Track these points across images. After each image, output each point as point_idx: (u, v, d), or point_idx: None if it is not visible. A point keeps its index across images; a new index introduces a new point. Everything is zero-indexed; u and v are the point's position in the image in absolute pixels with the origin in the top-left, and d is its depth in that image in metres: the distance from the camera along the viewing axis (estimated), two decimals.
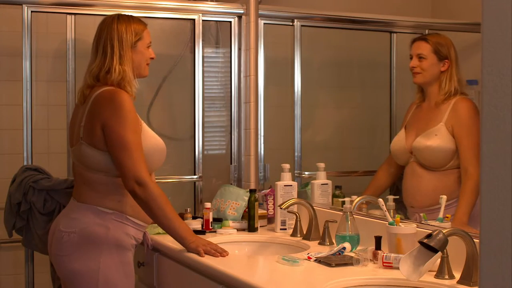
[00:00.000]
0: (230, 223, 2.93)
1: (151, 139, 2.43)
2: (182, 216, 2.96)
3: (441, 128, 2.42)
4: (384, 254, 2.11)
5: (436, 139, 2.43)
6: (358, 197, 2.64)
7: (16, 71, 3.17)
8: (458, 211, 2.29)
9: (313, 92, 3.32)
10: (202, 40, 3.32)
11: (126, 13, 2.53)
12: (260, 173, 3.28)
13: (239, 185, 3.33)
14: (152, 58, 2.51)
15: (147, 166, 2.33)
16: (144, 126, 2.43)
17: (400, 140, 2.60)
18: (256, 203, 2.89)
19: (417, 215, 2.45)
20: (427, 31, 2.74)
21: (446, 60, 2.44)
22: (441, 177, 2.43)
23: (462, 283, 1.88)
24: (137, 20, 2.49)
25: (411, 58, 2.53)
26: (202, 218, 2.92)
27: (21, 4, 2.98)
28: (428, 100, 2.53)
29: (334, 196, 2.84)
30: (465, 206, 2.28)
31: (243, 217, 2.98)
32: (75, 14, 3.10)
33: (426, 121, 2.50)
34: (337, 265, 2.15)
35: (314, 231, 2.65)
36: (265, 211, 2.99)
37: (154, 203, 2.30)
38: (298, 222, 2.76)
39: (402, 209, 2.54)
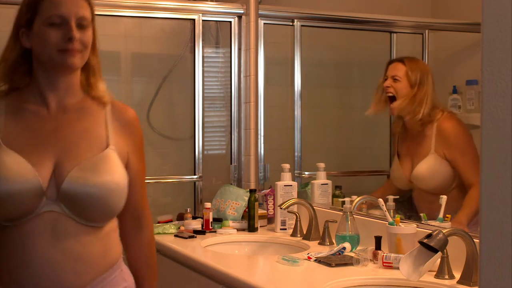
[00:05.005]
0: (230, 223, 2.93)
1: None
2: (182, 216, 2.96)
3: (433, 156, 2.41)
4: (384, 254, 2.11)
5: (432, 168, 2.42)
6: (358, 197, 2.64)
7: None
8: (459, 212, 2.29)
9: (313, 92, 3.32)
10: (202, 40, 3.32)
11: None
12: (260, 173, 3.28)
13: (239, 185, 3.33)
14: (70, 39, 1.56)
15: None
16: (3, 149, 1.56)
17: (397, 168, 2.61)
18: (256, 203, 2.89)
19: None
20: (427, 31, 2.74)
21: (421, 85, 2.43)
22: (448, 195, 2.41)
23: (462, 283, 1.88)
24: None
25: (385, 79, 2.53)
26: (202, 218, 2.92)
27: None
28: (409, 126, 2.52)
29: (334, 196, 2.84)
30: (467, 209, 2.28)
31: (243, 217, 2.98)
32: None
33: (416, 150, 2.49)
34: (337, 265, 2.15)
35: (314, 231, 2.64)
36: (265, 211, 2.98)
37: None
38: (298, 222, 2.75)
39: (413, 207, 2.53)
